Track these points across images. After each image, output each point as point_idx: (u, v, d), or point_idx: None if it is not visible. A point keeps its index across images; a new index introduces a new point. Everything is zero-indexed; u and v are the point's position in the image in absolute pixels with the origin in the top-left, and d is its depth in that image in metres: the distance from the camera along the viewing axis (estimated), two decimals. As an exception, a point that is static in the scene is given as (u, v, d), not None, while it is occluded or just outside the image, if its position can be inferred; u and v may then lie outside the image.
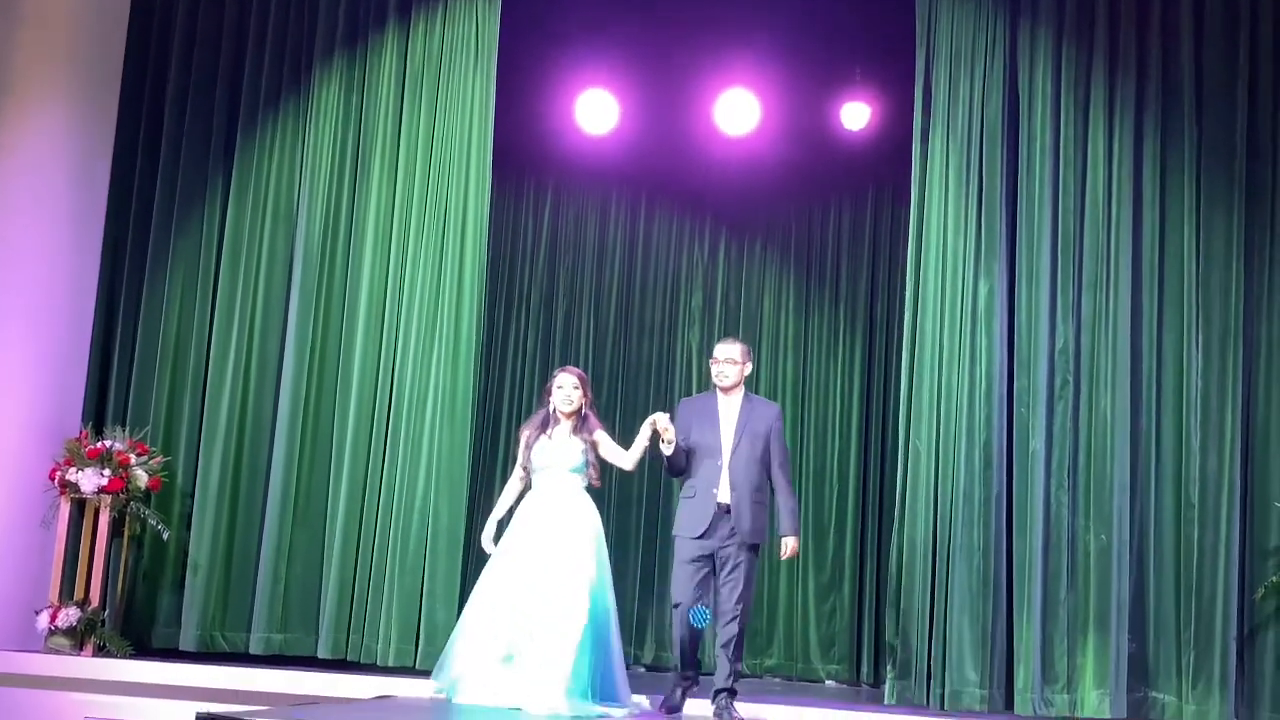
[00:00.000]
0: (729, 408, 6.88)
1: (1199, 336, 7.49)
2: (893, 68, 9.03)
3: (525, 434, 6.97)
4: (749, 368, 6.96)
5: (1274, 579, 7.11)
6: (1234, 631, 7.17)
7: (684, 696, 6.78)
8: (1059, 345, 7.57)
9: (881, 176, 10.27)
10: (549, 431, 6.87)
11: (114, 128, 8.77)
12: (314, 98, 8.54)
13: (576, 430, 6.86)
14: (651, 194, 10.78)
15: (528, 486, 6.90)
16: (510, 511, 6.89)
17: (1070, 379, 7.53)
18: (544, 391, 7.06)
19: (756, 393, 7.73)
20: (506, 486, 7.01)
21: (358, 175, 8.45)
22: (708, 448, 6.79)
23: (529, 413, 8.29)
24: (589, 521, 6.73)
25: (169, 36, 8.78)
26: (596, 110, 10.04)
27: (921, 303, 7.72)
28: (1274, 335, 7.47)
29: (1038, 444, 7.45)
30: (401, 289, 8.24)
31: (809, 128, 10.13)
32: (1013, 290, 7.66)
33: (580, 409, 6.90)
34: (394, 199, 8.34)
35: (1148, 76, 7.77)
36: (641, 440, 6.75)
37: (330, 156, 8.45)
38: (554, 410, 6.89)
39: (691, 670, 6.82)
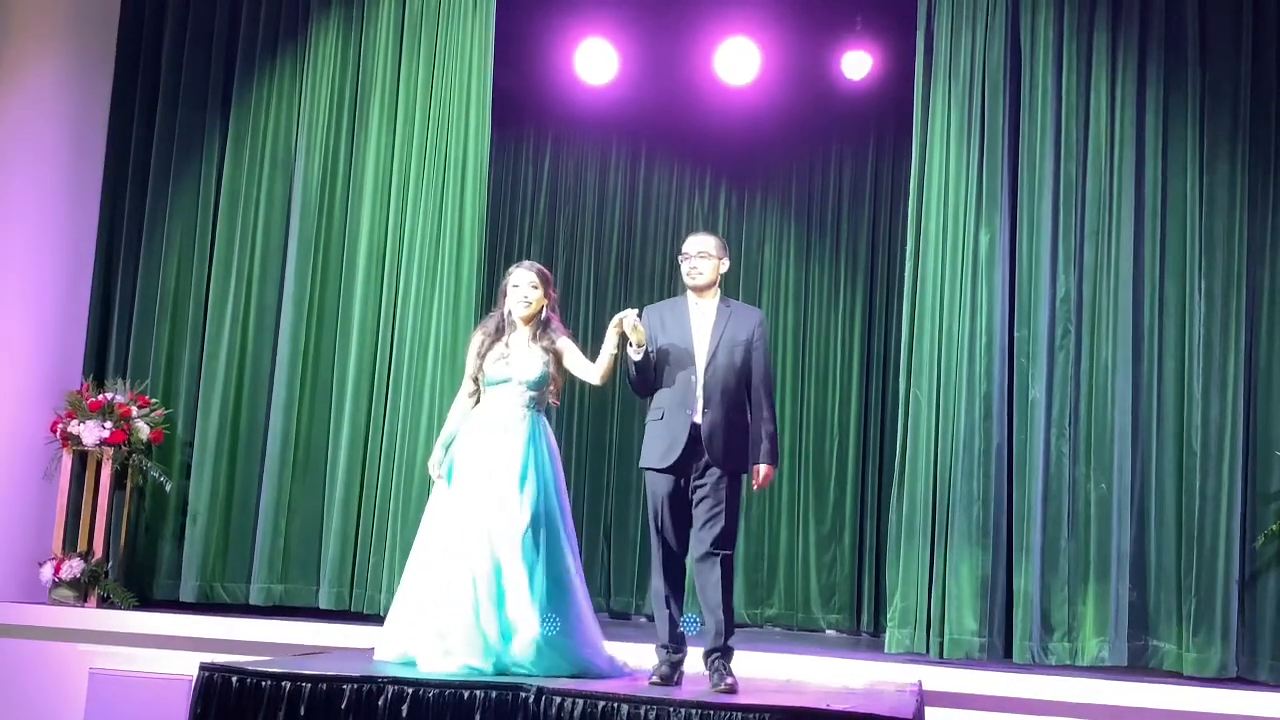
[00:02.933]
0: (703, 312, 5.87)
1: (1201, 284, 7.43)
2: (894, 16, 8.95)
3: (477, 340, 6.04)
4: (726, 264, 5.98)
5: (1275, 526, 7.09)
6: (1235, 579, 7.16)
7: (675, 668, 5.74)
8: (1060, 294, 7.53)
9: (883, 126, 10.21)
10: (505, 339, 5.98)
11: (111, 77, 8.73)
12: (312, 46, 8.49)
13: (537, 338, 5.97)
14: (651, 144, 10.72)
15: (478, 402, 6.04)
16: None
17: (1071, 328, 7.50)
18: (499, 293, 6.11)
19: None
20: (455, 403, 6.15)
21: (356, 125, 8.41)
22: (679, 358, 5.76)
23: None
24: (543, 453, 5.89)
25: (166, -15, 8.73)
26: (596, 60, 9.93)
27: (922, 252, 7.68)
28: (1277, 282, 7.41)
29: (1038, 393, 7.43)
30: (401, 240, 8.21)
31: (810, 77, 10.05)
32: (1014, 239, 7.62)
33: (540, 311, 6.01)
34: (393, 149, 8.29)
35: (1150, 23, 7.69)
36: (609, 347, 5.78)
37: (328, 106, 8.41)
38: (509, 314, 5.99)
39: (677, 642, 5.78)
